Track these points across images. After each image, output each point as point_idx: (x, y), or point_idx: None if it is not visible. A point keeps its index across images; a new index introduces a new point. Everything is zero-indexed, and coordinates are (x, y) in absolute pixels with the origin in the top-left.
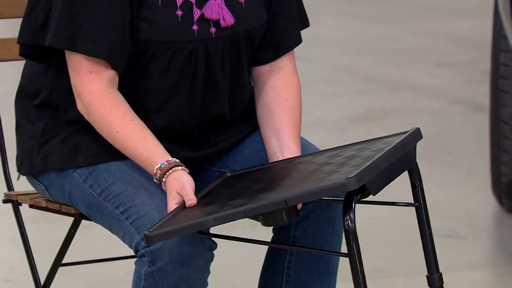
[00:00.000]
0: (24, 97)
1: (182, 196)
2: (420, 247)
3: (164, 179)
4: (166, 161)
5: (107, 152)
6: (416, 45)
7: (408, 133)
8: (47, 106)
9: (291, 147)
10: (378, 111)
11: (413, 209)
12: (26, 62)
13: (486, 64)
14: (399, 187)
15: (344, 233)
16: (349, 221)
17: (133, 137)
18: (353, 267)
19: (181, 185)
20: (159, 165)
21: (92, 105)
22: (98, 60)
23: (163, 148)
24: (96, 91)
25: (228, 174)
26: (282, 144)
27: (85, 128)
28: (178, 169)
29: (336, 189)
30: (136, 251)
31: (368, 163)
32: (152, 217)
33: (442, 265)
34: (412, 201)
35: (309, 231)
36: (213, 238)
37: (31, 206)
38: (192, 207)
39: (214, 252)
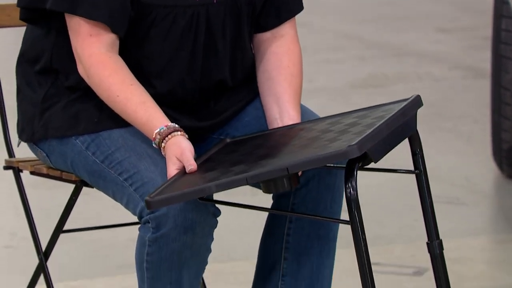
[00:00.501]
0: (25, 62)
1: (182, 162)
2: (420, 213)
3: (163, 144)
4: (166, 126)
5: (109, 119)
6: (417, 11)
7: (409, 100)
8: (48, 71)
9: (291, 114)
10: (380, 77)
11: (413, 176)
12: (27, 27)
13: (487, 30)
14: (400, 154)
15: (346, 200)
16: (351, 189)
17: (133, 101)
18: (355, 235)
19: (180, 151)
20: (158, 129)
21: (92, 69)
22: (98, 23)
23: (163, 113)
24: (96, 54)
25: (228, 140)
26: (282, 111)
27: (86, 96)
28: (177, 134)
29: (338, 157)
30: (140, 217)
31: (370, 130)
32: (156, 183)
33: (442, 231)
34: (412, 168)
35: (309, 198)
36: (216, 205)
37: (32, 173)
38: (193, 173)
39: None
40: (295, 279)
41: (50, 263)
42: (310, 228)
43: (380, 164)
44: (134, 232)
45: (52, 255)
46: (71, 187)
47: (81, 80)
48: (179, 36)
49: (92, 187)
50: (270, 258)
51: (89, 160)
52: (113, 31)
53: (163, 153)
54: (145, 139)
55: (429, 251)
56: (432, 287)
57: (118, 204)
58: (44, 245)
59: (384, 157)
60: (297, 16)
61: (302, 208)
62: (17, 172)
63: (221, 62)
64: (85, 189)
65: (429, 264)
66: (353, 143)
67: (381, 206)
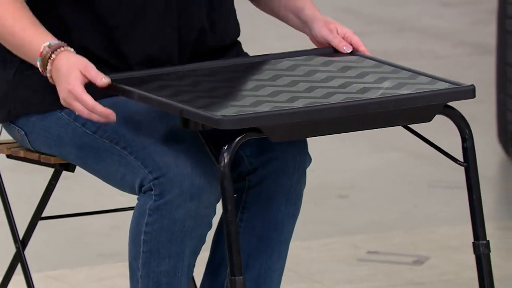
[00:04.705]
0: None
1: (86, 76)
2: (420, 199)
3: (53, 56)
4: (58, 41)
5: (96, 90)
6: None
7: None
8: None
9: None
10: (380, 54)
11: (414, 159)
12: None
13: (493, 4)
14: (402, 135)
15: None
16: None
17: (22, 22)
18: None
19: (84, 63)
20: (48, 43)
21: None
22: None
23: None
24: None
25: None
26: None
27: None
28: (72, 50)
29: (211, 122)
30: (140, 186)
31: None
32: (158, 148)
33: (443, 217)
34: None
35: (262, 198)
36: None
37: (8, 156)
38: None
39: None
40: None
41: (28, 252)
42: (262, 230)
43: (387, 144)
44: (116, 219)
45: (30, 244)
46: (50, 171)
47: None
48: None
49: (73, 171)
50: (219, 255)
51: (78, 132)
52: None
53: (48, 68)
54: (139, 108)
55: (474, 252)
56: (433, 277)
57: (100, 190)
58: (21, 233)
59: (384, 138)
60: None
61: (253, 208)
62: None
63: (197, 10)
64: (65, 174)
65: (429, 253)
66: (230, 115)
67: (380, 191)
